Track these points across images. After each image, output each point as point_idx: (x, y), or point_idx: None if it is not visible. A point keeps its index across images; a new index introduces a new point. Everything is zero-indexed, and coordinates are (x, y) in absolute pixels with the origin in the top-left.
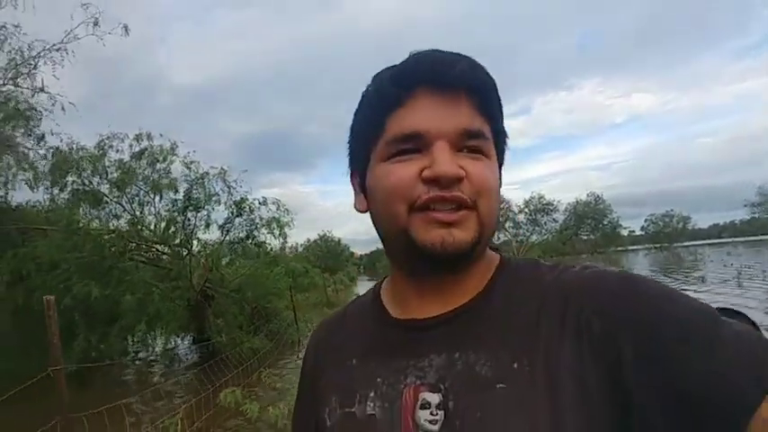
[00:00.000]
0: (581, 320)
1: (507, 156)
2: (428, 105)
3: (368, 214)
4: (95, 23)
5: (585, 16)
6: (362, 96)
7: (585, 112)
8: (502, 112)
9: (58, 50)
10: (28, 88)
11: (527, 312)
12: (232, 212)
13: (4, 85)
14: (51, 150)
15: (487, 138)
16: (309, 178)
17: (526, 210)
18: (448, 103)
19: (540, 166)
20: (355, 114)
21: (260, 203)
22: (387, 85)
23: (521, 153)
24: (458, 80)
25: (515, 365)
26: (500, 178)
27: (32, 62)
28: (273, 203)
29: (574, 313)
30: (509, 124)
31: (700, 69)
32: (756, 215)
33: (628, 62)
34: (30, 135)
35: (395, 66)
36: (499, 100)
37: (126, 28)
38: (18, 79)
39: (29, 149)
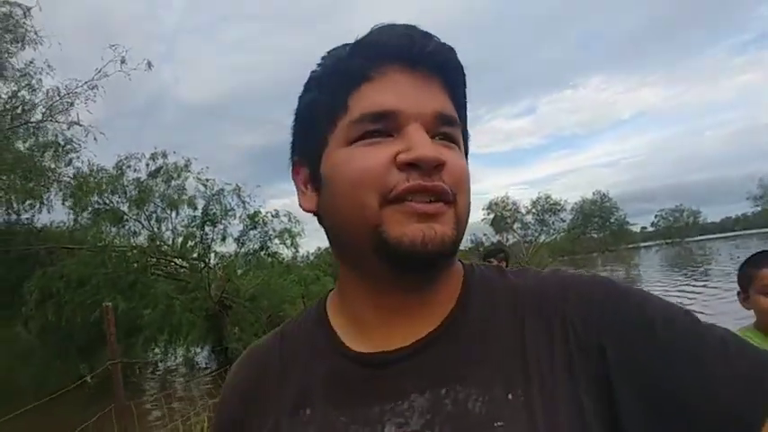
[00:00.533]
0: (566, 331)
1: (516, 156)
2: (400, 83)
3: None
4: (123, 61)
5: (586, 15)
6: (313, 75)
7: (591, 110)
8: (467, 106)
9: (92, 89)
10: (64, 122)
11: (509, 328)
12: (246, 226)
13: (44, 121)
14: (74, 173)
15: (459, 126)
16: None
17: (534, 210)
18: (422, 84)
19: (548, 165)
20: (304, 94)
21: (272, 216)
22: (350, 57)
23: (528, 153)
24: (433, 60)
25: (510, 396)
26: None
27: (69, 99)
28: (285, 215)
29: (558, 324)
30: (515, 125)
31: (703, 63)
32: (759, 207)
33: (630, 58)
34: (58, 161)
35: (356, 41)
36: (466, 92)
37: (149, 64)
38: (57, 115)
39: (71, 179)
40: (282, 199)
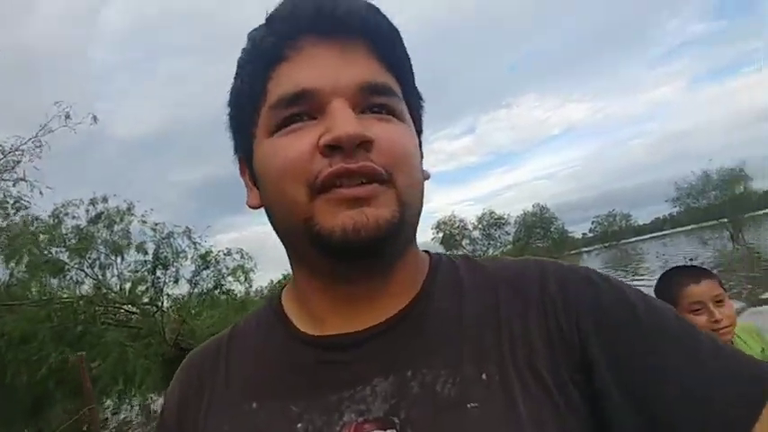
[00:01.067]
0: (546, 314)
1: (460, 174)
2: (317, 57)
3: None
4: (67, 116)
5: (512, 39)
6: (238, 61)
7: (526, 127)
8: (412, 69)
9: (38, 147)
10: (9, 180)
11: (481, 312)
12: (199, 266)
13: None
14: (7, 224)
15: (396, 94)
16: (266, 217)
17: (480, 226)
18: (343, 53)
19: (491, 181)
20: (232, 85)
21: (225, 254)
22: (263, 37)
23: (471, 171)
24: (352, 24)
25: (483, 377)
26: (420, 148)
27: (15, 157)
28: (237, 252)
29: (537, 307)
30: (457, 145)
31: (622, 79)
32: (677, 209)
33: (557, 77)
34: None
35: (267, 17)
36: (406, 52)
37: (95, 118)
38: (4, 174)
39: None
40: (229, 234)
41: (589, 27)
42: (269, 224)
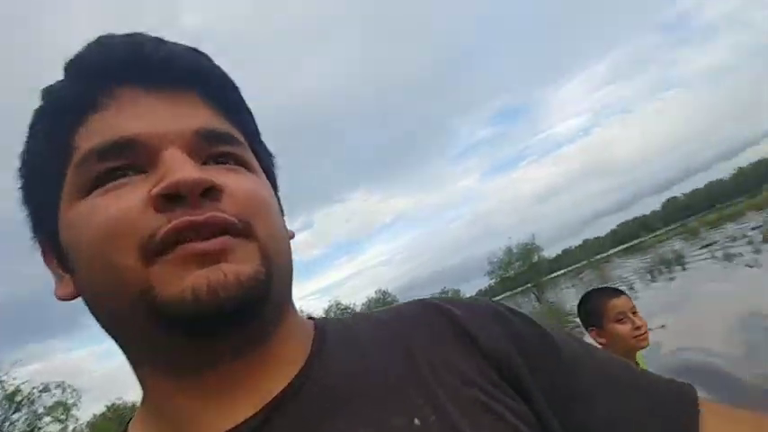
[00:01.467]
0: (466, 345)
1: (303, 268)
2: (139, 104)
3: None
4: None
5: (332, 141)
6: (29, 125)
7: (360, 219)
8: (254, 120)
9: None
10: None
11: (391, 361)
12: (7, 410)
13: None
14: None
15: (242, 143)
16: (79, 341)
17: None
18: (171, 100)
19: (334, 272)
20: (23, 148)
21: (40, 391)
22: (66, 87)
23: (314, 264)
24: (176, 70)
25: (416, 422)
26: (279, 203)
27: None
28: (58, 387)
29: (454, 340)
30: (298, 239)
31: (433, 173)
32: (493, 280)
33: (382, 173)
34: None
35: (68, 62)
36: (244, 101)
37: None
38: None
39: None
40: (31, 364)
41: (400, 132)
42: (86, 348)
